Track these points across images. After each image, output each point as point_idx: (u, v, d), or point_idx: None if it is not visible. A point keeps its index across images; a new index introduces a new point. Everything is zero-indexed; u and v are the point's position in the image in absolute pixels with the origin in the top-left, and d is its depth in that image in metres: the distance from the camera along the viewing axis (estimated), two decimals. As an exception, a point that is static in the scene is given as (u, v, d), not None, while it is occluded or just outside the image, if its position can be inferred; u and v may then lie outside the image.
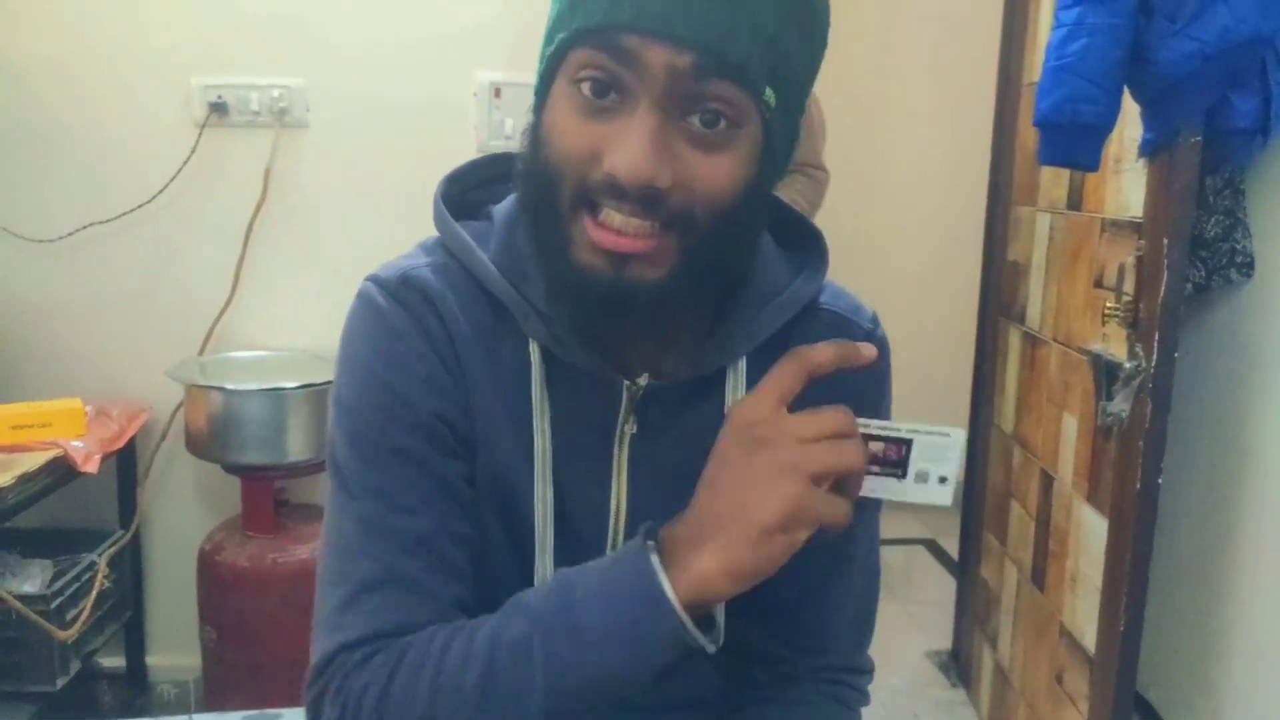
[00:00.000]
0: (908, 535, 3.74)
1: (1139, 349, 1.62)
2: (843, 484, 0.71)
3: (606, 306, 0.70)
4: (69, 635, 1.98)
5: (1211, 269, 1.74)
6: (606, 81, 0.67)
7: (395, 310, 0.78)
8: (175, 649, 2.42)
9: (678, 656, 0.69)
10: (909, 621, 3.05)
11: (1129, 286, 1.66)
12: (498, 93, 2.29)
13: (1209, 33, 1.40)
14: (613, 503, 0.82)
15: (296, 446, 2.10)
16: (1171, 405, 1.61)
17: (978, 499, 2.62)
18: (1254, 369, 1.72)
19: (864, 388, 0.85)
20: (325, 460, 0.81)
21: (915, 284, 3.84)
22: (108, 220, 2.26)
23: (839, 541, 0.88)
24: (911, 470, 0.73)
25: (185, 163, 2.25)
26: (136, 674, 2.42)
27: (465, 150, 2.30)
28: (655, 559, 0.68)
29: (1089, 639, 1.84)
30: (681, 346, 0.80)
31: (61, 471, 1.98)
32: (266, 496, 2.17)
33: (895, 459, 0.73)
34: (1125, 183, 1.77)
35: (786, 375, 0.71)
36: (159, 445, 2.35)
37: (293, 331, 2.35)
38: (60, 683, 2.02)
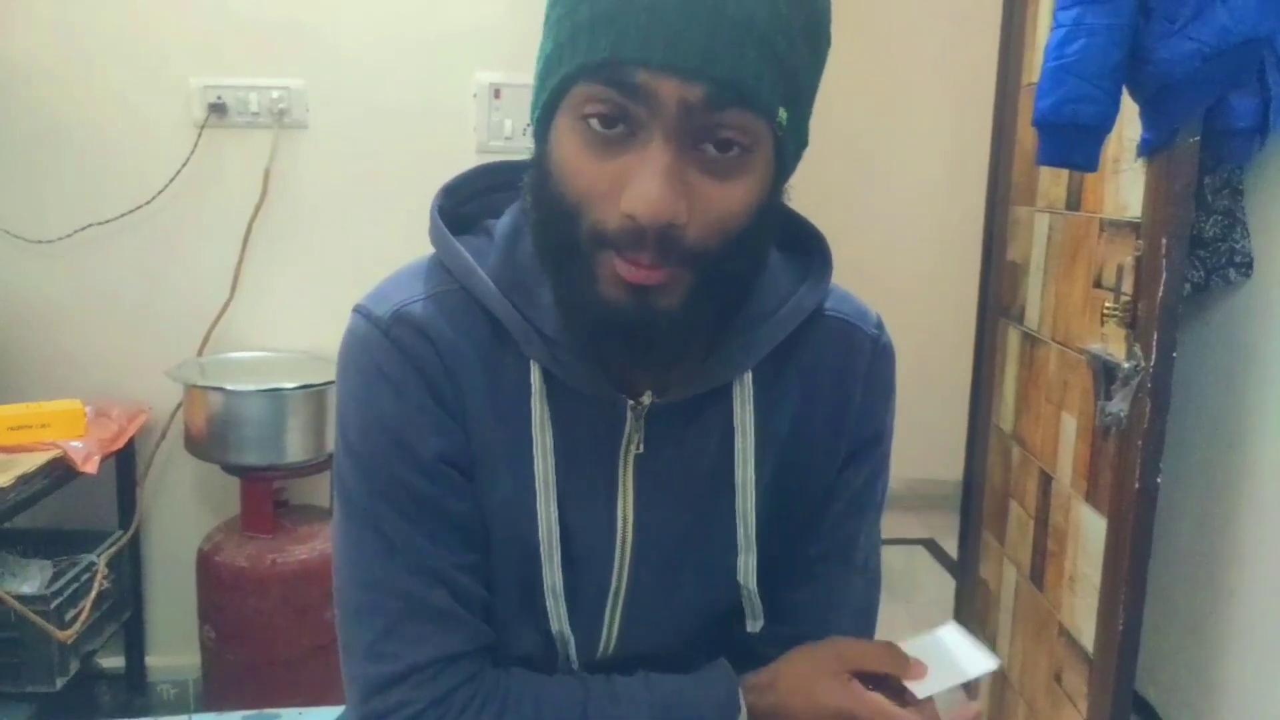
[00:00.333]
0: (907, 535, 3.74)
1: (1138, 349, 1.63)
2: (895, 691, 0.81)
3: (631, 338, 0.69)
4: (68, 635, 1.98)
5: (1210, 269, 1.74)
6: (615, 116, 0.65)
7: (387, 351, 0.77)
8: (174, 649, 2.42)
9: None
10: (909, 621, 3.05)
11: (1128, 286, 1.67)
12: (497, 94, 2.29)
13: (1207, 33, 1.40)
14: (619, 522, 0.81)
15: (295, 447, 2.10)
16: (1170, 405, 1.62)
17: (977, 499, 2.62)
18: (1252, 368, 1.72)
19: (869, 394, 0.86)
20: (332, 479, 0.82)
21: (914, 284, 3.84)
22: (107, 221, 2.26)
23: (842, 549, 0.89)
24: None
25: (185, 164, 2.25)
26: (136, 674, 2.42)
27: (465, 151, 2.30)
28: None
29: (1088, 638, 1.84)
30: (685, 363, 0.78)
31: (61, 472, 1.98)
32: (266, 497, 2.17)
33: None
34: (1124, 183, 1.78)
35: None
36: (158, 446, 2.35)
37: (292, 332, 2.35)
38: (60, 683, 2.02)
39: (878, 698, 0.78)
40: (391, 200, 2.30)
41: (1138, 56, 1.48)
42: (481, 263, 0.78)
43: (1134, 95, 1.55)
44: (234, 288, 2.31)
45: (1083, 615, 1.87)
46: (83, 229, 2.26)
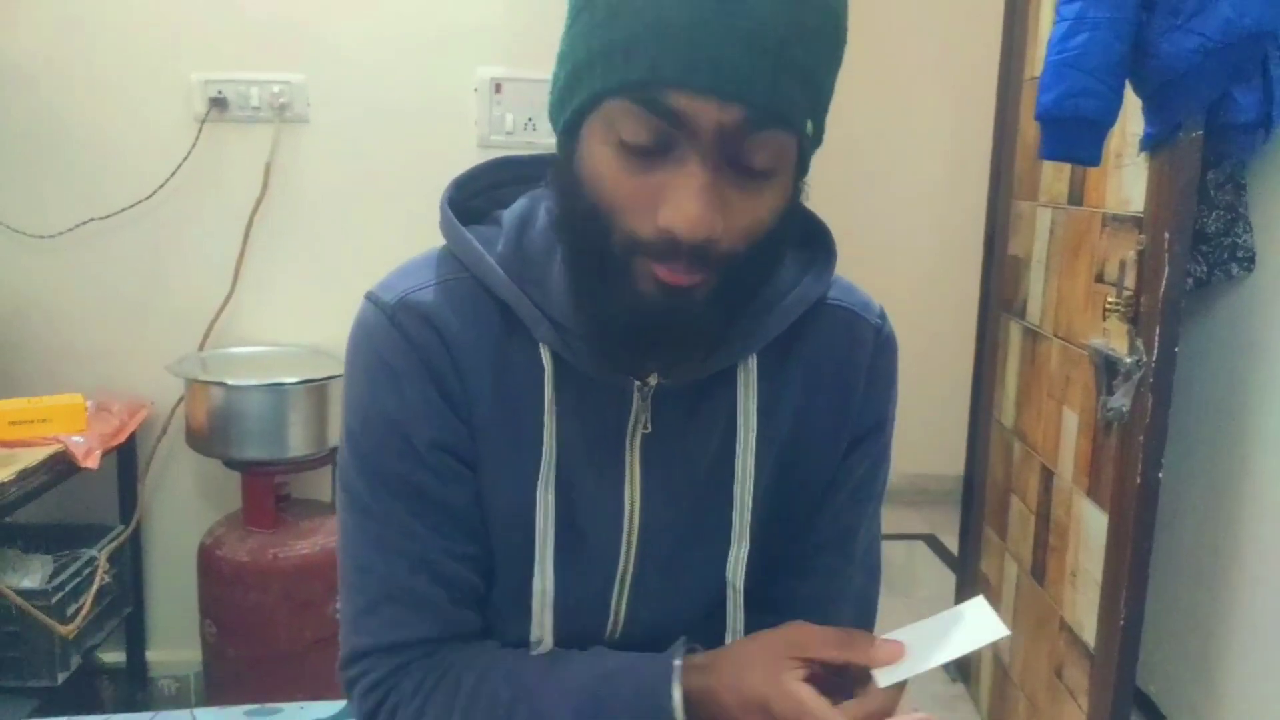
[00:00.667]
0: (908, 531, 3.74)
1: (1140, 344, 1.62)
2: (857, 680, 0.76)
3: (661, 335, 0.71)
4: (69, 630, 1.98)
5: (1212, 264, 1.74)
6: (651, 135, 0.66)
7: (392, 339, 0.79)
8: (176, 644, 2.42)
9: None
10: (909, 616, 3.04)
11: (1130, 281, 1.66)
12: (498, 88, 2.29)
13: (1211, 27, 1.39)
14: (626, 503, 0.82)
15: (297, 442, 2.10)
16: (1172, 400, 1.61)
17: (978, 494, 2.62)
18: (1255, 363, 1.71)
19: (872, 384, 0.87)
20: (336, 469, 0.85)
21: (916, 279, 3.84)
22: (108, 216, 2.26)
23: (842, 540, 0.89)
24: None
25: (185, 158, 2.25)
26: (137, 669, 2.42)
27: (466, 146, 2.30)
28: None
29: (1089, 633, 1.84)
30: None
31: (62, 467, 1.98)
32: (267, 491, 2.17)
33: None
34: (1126, 177, 1.77)
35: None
36: (159, 440, 2.35)
37: (293, 327, 2.35)
38: (61, 678, 2.02)
39: (800, 690, 0.73)
40: (393, 195, 2.30)
41: (1141, 51, 1.48)
42: (490, 251, 0.79)
43: (1137, 90, 1.55)
44: (235, 282, 2.31)
45: (1084, 610, 1.87)
46: (84, 224, 2.26)
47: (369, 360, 0.80)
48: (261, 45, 2.26)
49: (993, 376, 2.53)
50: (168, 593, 2.42)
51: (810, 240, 0.86)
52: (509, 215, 0.82)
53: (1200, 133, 1.53)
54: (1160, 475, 1.63)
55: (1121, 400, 1.66)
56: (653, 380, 0.79)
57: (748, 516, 0.83)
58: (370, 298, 0.81)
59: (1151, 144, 1.59)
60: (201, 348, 2.32)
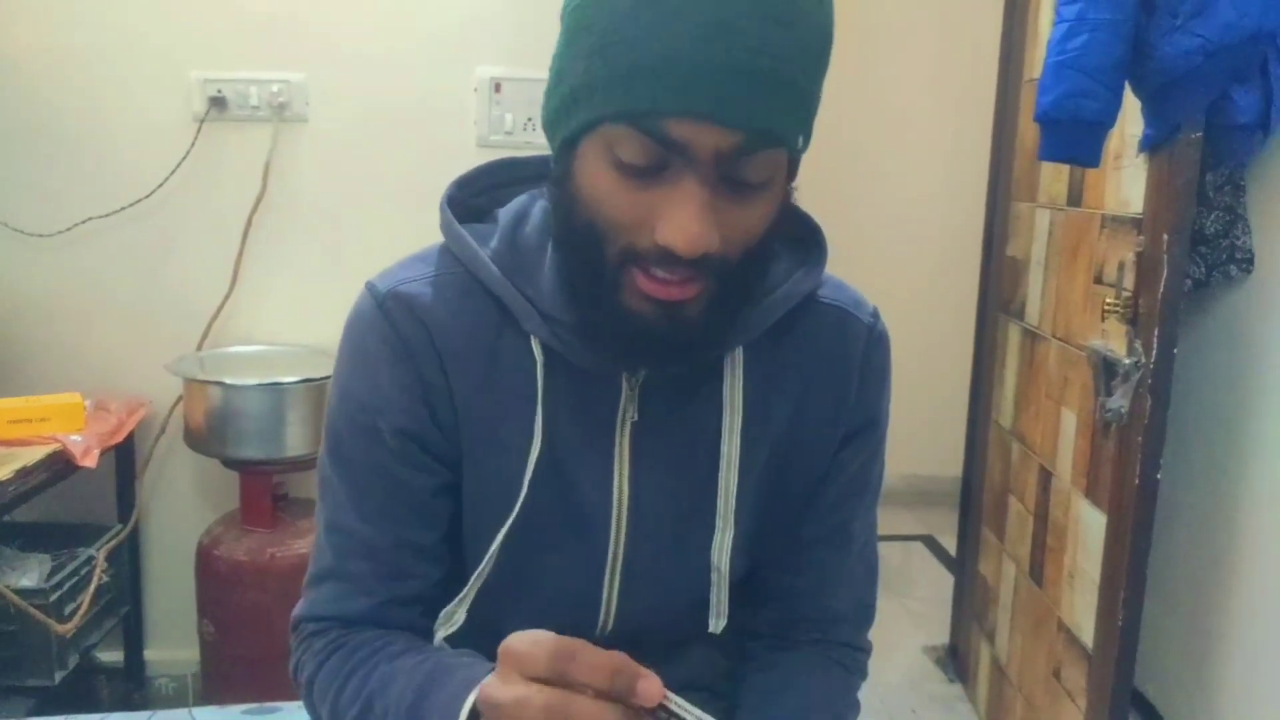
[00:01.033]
0: (906, 532, 3.74)
1: (1138, 345, 1.63)
2: None
3: (658, 347, 0.73)
4: (67, 629, 1.98)
5: (1211, 265, 1.74)
6: (648, 156, 0.67)
7: (378, 326, 0.82)
8: (173, 643, 2.42)
9: None
10: (907, 617, 3.05)
11: (1129, 282, 1.66)
12: (498, 88, 2.28)
13: (1210, 28, 1.40)
14: (615, 491, 0.83)
15: (295, 441, 2.10)
16: (1170, 401, 1.61)
17: (976, 495, 2.62)
18: (1253, 364, 1.72)
19: (866, 380, 0.88)
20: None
21: (915, 280, 3.84)
22: (107, 215, 2.26)
23: (838, 534, 0.90)
24: None
25: (184, 157, 2.25)
26: (135, 668, 2.42)
27: (466, 145, 2.30)
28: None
29: (1087, 634, 1.84)
30: None
31: (60, 466, 1.98)
32: (265, 491, 2.17)
33: None
34: (1125, 179, 1.77)
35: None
36: (157, 440, 2.34)
37: (292, 326, 2.35)
38: (58, 677, 2.02)
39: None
40: (392, 194, 2.30)
41: (1140, 52, 1.48)
42: (485, 247, 0.81)
43: (1136, 91, 1.55)
44: (234, 282, 2.31)
45: (1082, 611, 1.88)
46: (83, 223, 2.26)
47: (354, 343, 0.84)
48: (261, 44, 2.26)
49: (991, 377, 2.53)
50: (165, 592, 2.42)
51: (802, 238, 0.87)
52: (504, 213, 0.84)
53: (1199, 134, 1.53)
54: (1159, 476, 1.63)
55: (1120, 401, 1.66)
56: (641, 371, 0.81)
57: (732, 502, 0.84)
58: (368, 285, 0.84)
59: (1150, 145, 1.59)
60: (200, 347, 2.32)
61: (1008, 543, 2.36)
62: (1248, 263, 1.72)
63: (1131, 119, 1.65)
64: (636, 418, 0.82)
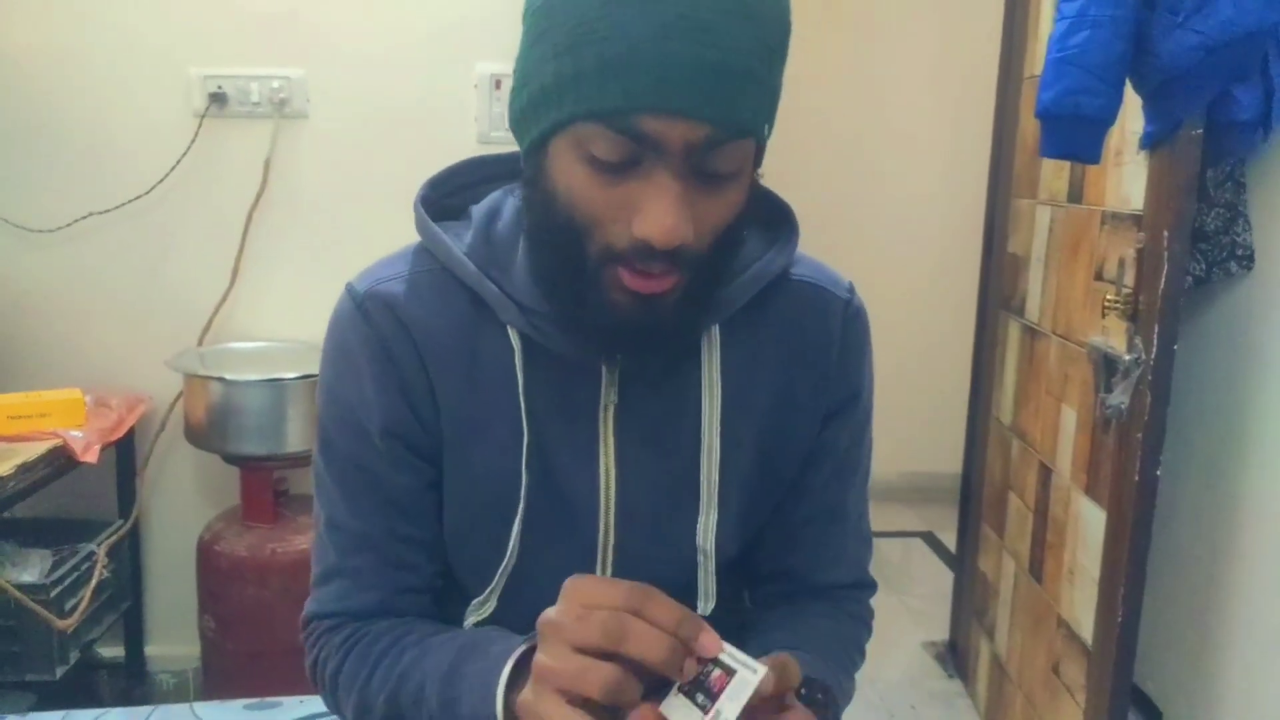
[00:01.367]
0: (905, 528, 3.74)
1: (1139, 341, 1.63)
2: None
3: (638, 340, 0.75)
4: (68, 625, 1.98)
5: (1212, 262, 1.74)
6: (621, 152, 0.69)
7: (358, 327, 0.83)
8: (174, 639, 2.43)
9: None
10: (907, 614, 3.05)
11: (1129, 279, 1.67)
12: (498, 84, 2.28)
13: (1211, 25, 1.39)
14: (601, 474, 0.85)
15: (295, 437, 2.10)
16: (1171, 397, 1.62)
17: (976, 491, 2.62)
18: (1253, 362, 1.72)
19: (845, 354, 0.89)
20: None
21: (915, 276, 3.84)
22: (107, 211, 2.26)
23: (831, 512, 0.93)
24: (716, 705, 0.63)
25: (185, 153, 2.25)
26: (135, 664, 2.42)
27: (466, 142, 2.30)
28: (504, 679, 0.70)
29: (1086, 630, 1.84)
30: None
31: (61, 461, 1.98)
32: (265, 487, 2.17)
33: (713, 690, 0.63)
34: (1126, 175, 1.77)
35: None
36: (158, 435, 2.35)
37: (292, 322, 2.35)
38: (59, 672, 2.02)
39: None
40: (392, 191, 2.27)
41: (1141, 49, 1.48)
42: (459, 243, 0.83)
43: (1137, 88, 1.55)
44: (234, 278, 2.31)
45: (1082, 608, 1.88)
46: (83, 219, 2.26)
47: (336, 344, 0.86)
48: (261, 41, 2.26)
49: (991, 374, 2.54)
50: (166, 587, 2.42)
51: (774, 219, 0.89)
52: (477, 210, 0.85)
53: (1200, 131, 1.53)
54: (1159, 473, 1.63)
55: (1120, 398, 1.66)
56: (620, 357, 0.82)
57: (715, 482, 0.85)
58: (347, 286, 0.86)
59: (1151, 142, 1.59)
60: (200, 343, 2.32)
61: (1007, 539, 2.37)
62: (1248, 260, 1.72)
63: (1132, 116, 1.65)
64: (616, 401, 0.83)
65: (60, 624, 1.97)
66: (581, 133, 0.69)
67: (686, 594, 0.87)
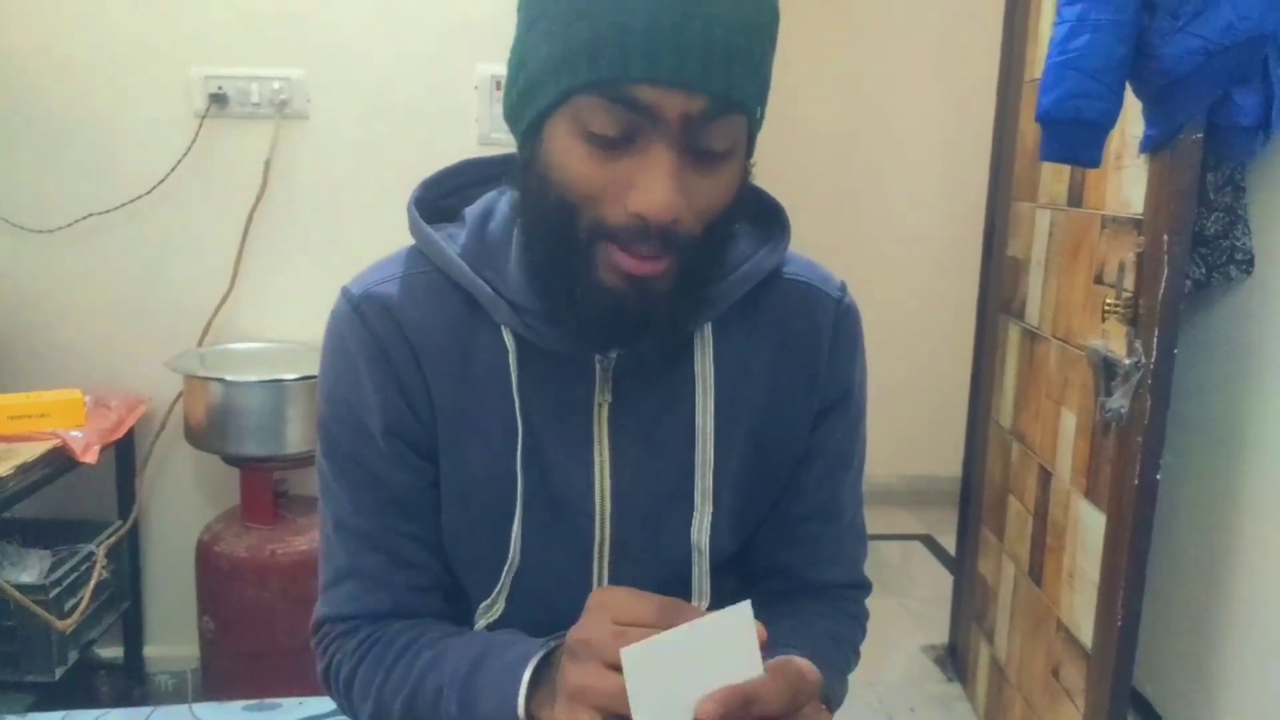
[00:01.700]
0: (905, 531, 3.74)
1: (1138, 345, 1.63)
2: None
3: (630, 323, 0.75)
4: (67, 625, 1.98)
5: (1211, 266, 1.74)
6: (619, 128, 0.69)
7: (355, 329, 0.84)
8: (173, 639, 2.43)
9: None
10: (906, 616, 3.05)
11: (1129, 283, 1.67)
12: (498, 85, 2.28)
13: (1212, 29, 1.40)
14: (596, 475, 0.85)
15: (295, 438, 2.10)
16: (1170, 401, 1.62)
17: (975, 494, 2.62)
18: (1253, 366, 1.72)
19: (836, 351, 0.89)
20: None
21: (915, 280, 3.84)
22: (107, 211, 2.26)
23: (825, 509, 0.93)
24: None
25: (185, 154, 2.25)
26: (134, 664, 2.42)
27: (466, 143, 2.30)
28: (525, 683, 0.72)
29: (1086, 634, 1.84)
30: None
31: (60, 462, 1.98)
32: (265, 487, 2.17)
33: None
34: (1126, 179, 1.77)
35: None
36: (158, 436, 2.35)
37: (292, 323, 2.35)
38: (58, 673, 2.02)
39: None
40: (392, 192, 2.28)
41: (1142, 52, 1.48)
42: (453, 244, 0.84)
43: (1137, 91, 1.55)
44: (234, 278, 2.31)
45: (1081, 611, 1.88)
46: (83, 219, 2.26)
47: (334, 347, 0.86)
48: (262, 41, 2.26)
49: (991, 377, 2.54)
50: (166, 588, 2.42)
51: (765, 218, 0.89)
52: (470, 211, 0.86)
53: (1200, 135, 1.53)
54: (1158, 476, 1.64)
55: (1120, 401, 1.66)
56: (613, 353, 0.82)
57: (709, 480, 0.86)
58: (342, 289, 0.87)
59: (1151, 146, 1.59)
60: (200, 344, 2.32)
61: (1007, 542, 2.37)
62: (1248, 264, 1.72)
63: (1132, 120, 1.65)
64: (610, 400, 0.83)
65: (59, 624, 1.96)
66: (579, 107, 0.69)
67: (680, 591, 0.87)
